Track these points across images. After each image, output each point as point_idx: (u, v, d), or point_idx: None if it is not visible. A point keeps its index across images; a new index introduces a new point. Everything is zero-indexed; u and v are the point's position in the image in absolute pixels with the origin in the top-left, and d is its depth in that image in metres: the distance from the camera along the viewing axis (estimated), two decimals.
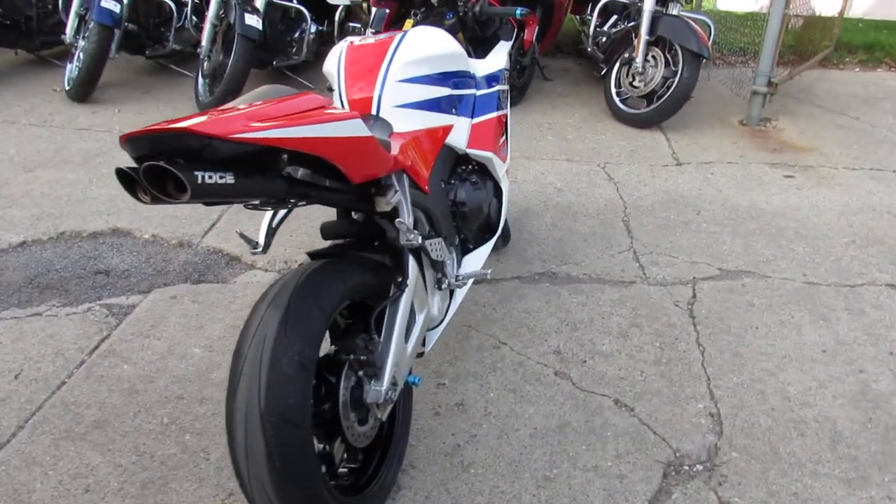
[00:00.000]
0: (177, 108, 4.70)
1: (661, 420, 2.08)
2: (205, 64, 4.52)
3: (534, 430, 2.04)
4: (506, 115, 2.37)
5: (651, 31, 4.35)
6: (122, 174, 1.12)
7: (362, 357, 1.58)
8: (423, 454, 1.95)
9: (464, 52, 2.11)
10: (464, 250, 2.14)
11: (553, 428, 2.05)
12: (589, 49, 5.12)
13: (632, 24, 4.59)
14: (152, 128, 1.10)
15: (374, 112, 1.86)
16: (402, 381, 1.68)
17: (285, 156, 1.27)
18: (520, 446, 1.98)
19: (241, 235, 1.68)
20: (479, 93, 2.17)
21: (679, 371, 2.29)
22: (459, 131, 2.06)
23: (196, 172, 1.11)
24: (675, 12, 4.41)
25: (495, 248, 2.90)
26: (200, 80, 4.57)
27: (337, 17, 5.12)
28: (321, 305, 1.46)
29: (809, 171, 3.89)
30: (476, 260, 2.15)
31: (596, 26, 5.05)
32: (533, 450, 1.97)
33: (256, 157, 1.21)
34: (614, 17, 5.10)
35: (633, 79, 4.48)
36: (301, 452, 1.37)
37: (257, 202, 1.45)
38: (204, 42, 4.45)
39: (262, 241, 1.72)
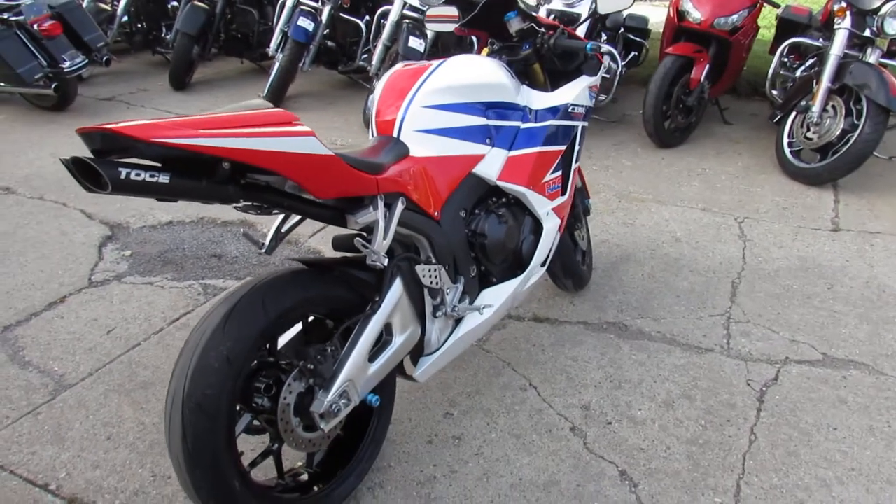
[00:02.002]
0: (348, 120, 5.12)
1: None
2: (374, 80, 4.87)
3: (517, 482, 1.93)
4: (564, 152, 2.27)
5: (836, 77, 3.85)
6: (66, 163, 1.30)
7: (310, 366, 1.63)
8: (396, 478, 1.95)
9: (509, 83, 2.08)
10: (484, 283, 2.09)
11: (538, 484, 1.92)
12: (768, 92, 4.65)
13: (815, 68, 4.10)
14: (96, 126, 1.26)
15: (395, 135, 1.91)
16: (358, 398, 1.71)
17: (226, 164, 1.37)
18: (495, 494, 1.89)
19: (246, 235, 1.81)
20: (524, 125, 2.11)
21: (712, 457, 2.01)
22: (491, 162, 2.03)
23: (120, 169, 1.25)
24: (872, 59, 3.85)
25: (565, 290, 2.78)
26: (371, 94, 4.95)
27: None
28: (267, 309, 1.55)
29: None
30: (497, 294, 2.09)
31: (777, 67, 4.57)
32: (507, 501, 1.87)
33: (203, 162, 1.33)
34: (810, 60, 4.58)
35: (808, 129, 3.98)
36: (212, 440, 1.47)
37: (242, 205, 1.57)
38: (374, 61, 4.80)
39: (268, 242, 1.84)
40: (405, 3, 4.73)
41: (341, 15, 5.32)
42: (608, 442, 2.07)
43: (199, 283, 2.94)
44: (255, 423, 1.68)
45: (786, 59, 4.69)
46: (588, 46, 2.25)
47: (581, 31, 4.35)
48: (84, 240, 3.29)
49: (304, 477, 1.81)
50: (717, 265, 3.09)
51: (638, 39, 5.02)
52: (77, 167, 1.26)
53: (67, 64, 4.90)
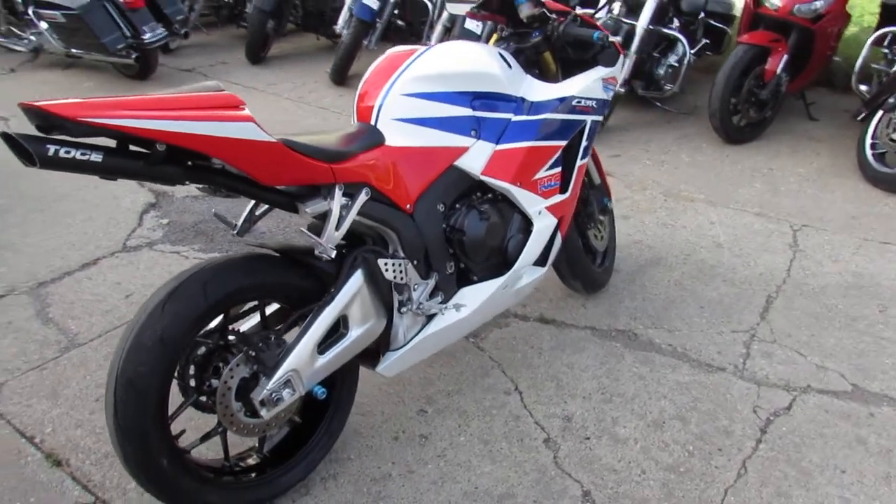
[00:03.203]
0: None
1: None
2: None
3: (472, 490, 1.86)
4: (567, 147, 2.13)
5: None
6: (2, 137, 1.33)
7: (252, 353, 1.62)
8: (352, 471, 1.92)
9: (500, 72, 1.96)
10: (464, 280, 2.00)
11: (493, 495, 1.84)
12: (854, 86, 4.21)
13: None
14: (32, 102, 1.28)
15: (373, 122, 1.85)
16: (303, 389, 1.68)
17: (160, 145, 1.37)
18: (445, 500, 1.83)
19: (217, 216, 1.82)
20: (516, 118, 1.99)
21: (689, 487, 1.86)
22: (475, 155, 1.93)
23: (48, 146, 1.26)
24: None
25: (575, 292, 2.65)
26: None
27: None
28: (207, 293, 1.55)
29: None
30: (476, 293, 2.00)
31: (867, 58, 4.12)
32: None
33: (141, 142, 1.34)
34: None
35: (894, 130, 3.58)
36: (141, 417, 1.50)
37: (204, 186, 1.57)
38: (433, 41, 4.73)
39: (240, 224, 1.83)
40: None
41: None
42: (580, 458, 1.96)
43: (220, 253, 3.01)
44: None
45: (886, 50, 4.23)
46: (595, 35, 2.09)
47: (646, 15, 4.10)
48: (129, 206, 3.45)
49: (252, 461, 1.82)
50: (756, 276, 2.84)
51: (720, 26, 4.68)
52: (10, 142, 1.29)
53: (148, 35, 5.13)
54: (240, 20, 6.67)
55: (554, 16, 2.21)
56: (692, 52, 4.31)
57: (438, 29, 4.71)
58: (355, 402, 2.13)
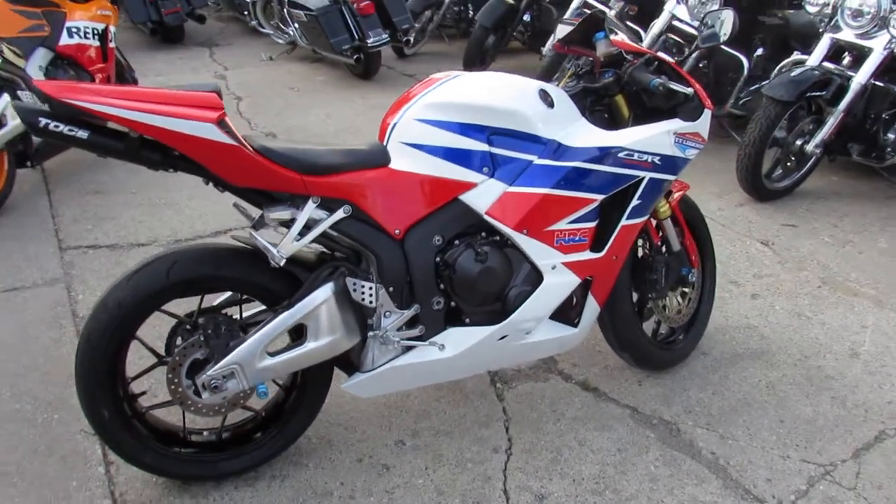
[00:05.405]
0: None
1: None
2: None
3: None
4: (606, 203, 1.89)
5: None
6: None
7: (202, 338, 1.73)
8: (301, 478, 1.94)
9: (530, 110, 1.81)
10: (452, 320, 1.89)
11: None
12: None
13: None
14: (36, 81, 1.53)
15: (385, 143, 1.84)
16: (247, 384, 1.74)
17: (133, 133, 1.53)
18: None
19: (236, 206, 1.95)
20: (539, 161, 1.82)
21: None
22: (483, 193, 1.80)
23: (41, 119, 1.49)
24: None
25: (627, 364, 2.35)
26: None
27: None
28: (170, 274, 1.69)
29: None
30: (462, 337, 1.87)
31: None
32: None
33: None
34: None
35: None
36: (91, 370, 1.69)
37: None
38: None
39: (257, 217, 1.95)
40: (672, 16, 4.29)
41: (627, 23, 5.04)
42: None
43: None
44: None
45: None
46: (652, 83, 1.83)
47: (867, 69, 3.44)
48: None
49: (204, 439, 1.92)
50: (881, 404, 2.26)
51: None
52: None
53: (371, 39, 5.60)
54: None
55: (629, 57, 1.98)
56: None
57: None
58: (345, 414, 2.16)
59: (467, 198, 1.82)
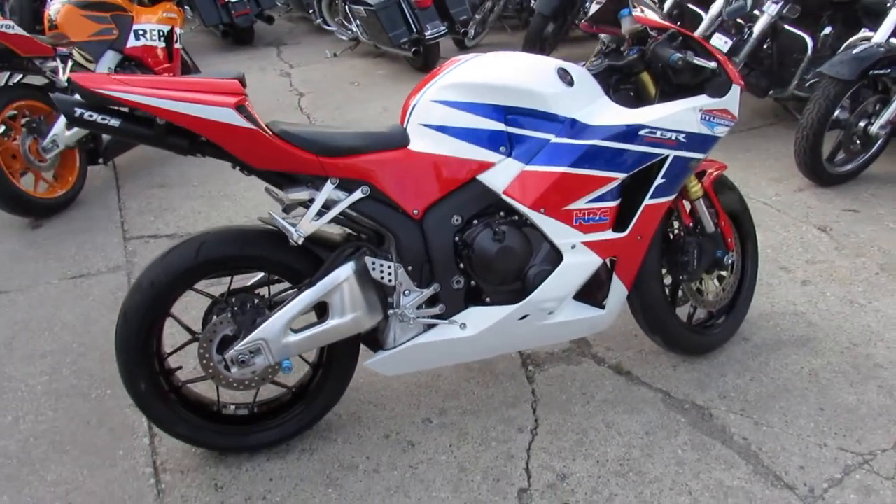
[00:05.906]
0: None
1: None
2: None
3: None
4: (628, 182, 1.87)
5: None
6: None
7: (230, 315, 1.82)
8: (329, 452, 2.01)
9: (546, 89, 1.80)
10: (473, 299, 1.91)
11: None
12: None
13: None
14: (72, 75, 1.65)
15: (404, 125, 1.88)
16: (272, 360, 1.82)
17: (160, 120, 1.63)
18: None
19: (268, 190, 2.04)
20: (556, 139, 1.81)
21: None
22: (500, 172, 1.82)
23: (76, 108, 1.61)
24: None
25: (660, 348, 2.30)
26: None
27: None
28: (198, 254, 1.79)
29: None
30: (482, 316, 1.89)
31: None
32: None
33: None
34: None
35: None
36: (127, 344, 1.81)
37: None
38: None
39: (287, 201, 2.04)
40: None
41: (688, 6, 4.90)
42: None
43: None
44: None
45: None
46: (671, 57, 1.79)
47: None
48: None
49: (239, 412, 2.02)
50: None
51: None
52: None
53: (429, 32, 5.68)
54: None
55: (654, 33, 1.95)
56: None
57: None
58: (376, 392, 2.22)
59: (485, 177, 1.84)
